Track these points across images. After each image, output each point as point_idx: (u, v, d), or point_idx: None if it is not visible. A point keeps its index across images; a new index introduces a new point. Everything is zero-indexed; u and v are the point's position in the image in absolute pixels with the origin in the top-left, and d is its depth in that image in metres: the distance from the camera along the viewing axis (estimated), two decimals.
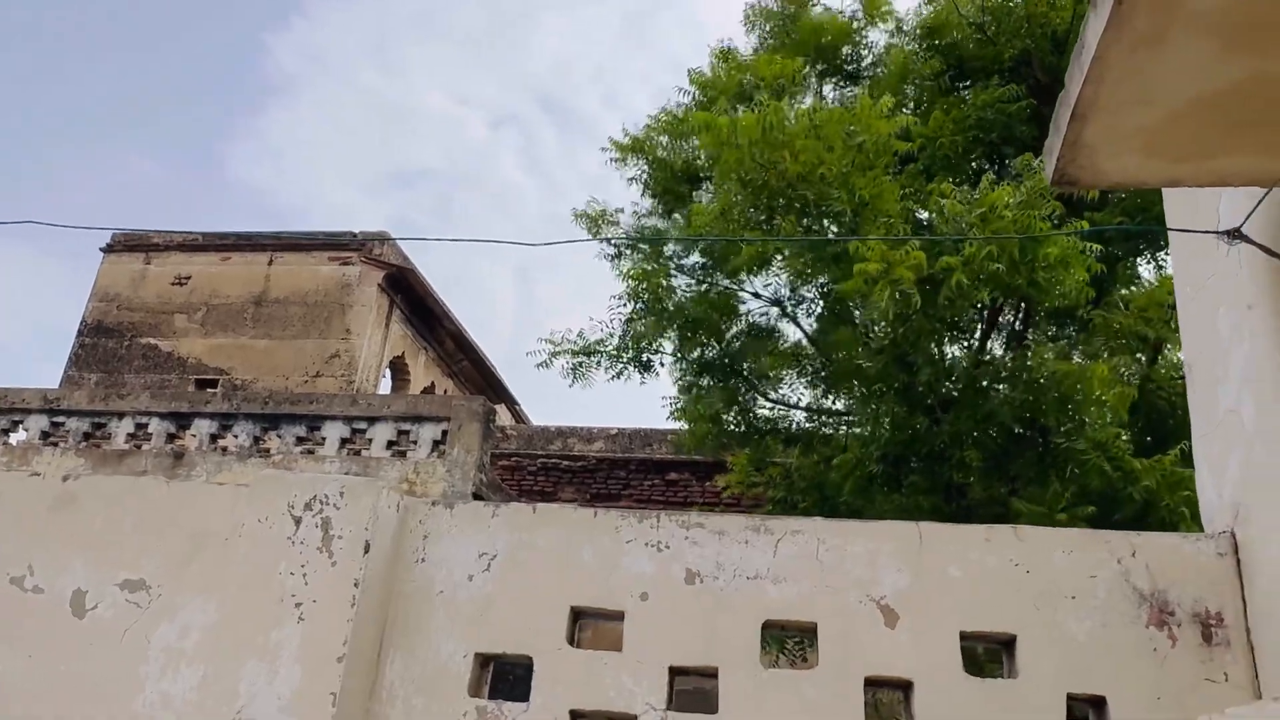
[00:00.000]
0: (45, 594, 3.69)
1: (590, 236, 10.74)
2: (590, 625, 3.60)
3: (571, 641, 3.46)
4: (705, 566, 3.48)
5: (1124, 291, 9.41)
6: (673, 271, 10.41)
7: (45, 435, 11.60)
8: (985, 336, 9.09)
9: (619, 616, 3.47)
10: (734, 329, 10.39)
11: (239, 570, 3.50)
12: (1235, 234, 2.76)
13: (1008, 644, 3.35)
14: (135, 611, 3.61)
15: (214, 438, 11.44)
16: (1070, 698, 3.21)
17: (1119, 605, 3.29)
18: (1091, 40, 2.39)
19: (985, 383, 7.85)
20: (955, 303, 7.20)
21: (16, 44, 50.34)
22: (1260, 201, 2.72)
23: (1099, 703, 3.22)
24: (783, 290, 10.41)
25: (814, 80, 10.55)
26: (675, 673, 3.39)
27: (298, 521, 3.48)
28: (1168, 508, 6.90)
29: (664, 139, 10.80)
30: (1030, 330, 9.21)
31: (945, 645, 3.30)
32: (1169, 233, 3.87)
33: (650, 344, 10.55)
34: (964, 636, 3.32)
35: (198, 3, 52.94)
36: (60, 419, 11.69)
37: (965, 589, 3.37)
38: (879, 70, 10.33)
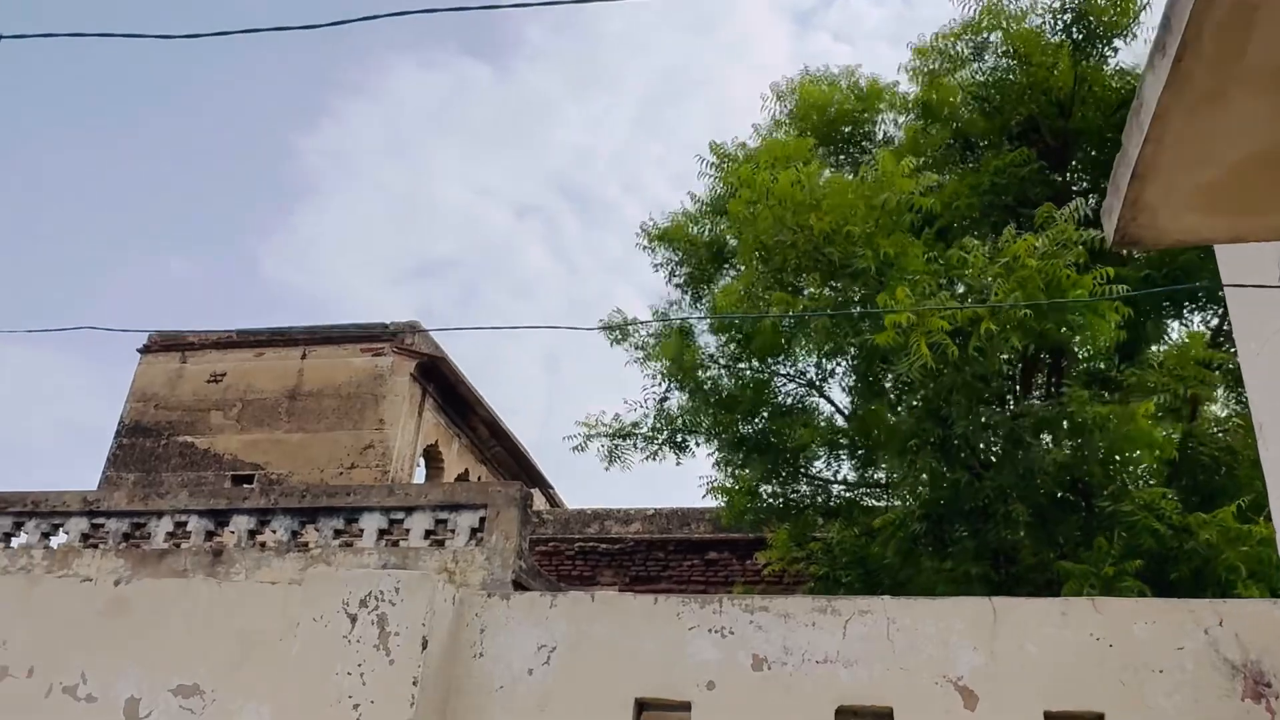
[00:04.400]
0: (99, 702, 3.62)
1: (619, 336, 10.80)
2: (656, 716, 3.48)
3: None
4: (772, 651, 3.37)
5: (1154, 349, 9.32)
6: (702, 354, 10.42)
7: (85, 537, 11.60)
8: (1019, 392, 8.99)
9: (685, 707, 3.35)
10: (767, 406, 10.33)
11: (293, 671, 3.42)
12: None
13: None
14: (189, 718, 3.54)
15: (252, 533, 11.39)
16: None
17: (1210, 678, 3.14)
18: (1150, 99, 2.36)
19: (1025, 436, 7.70)
20: (986, 352, 7.11)
21: (55, 150, 52.03)
22: None
23: None
24: (810, 369, 10.41)
25: (822, 158, 10.68)
26: None
27: (353, 619, 3.42)
28: (1225, 563, 6.68)
29: (694, 224, 10.94)
30: (1063, 385, 9.10)
31: None
32: (1227, 291, 3.80)
33: (685, 423, 10.52)
34: (1048, 716, 3.18)
35: (232, 111, 54.66)
36: (100, 520, 11.69)
37: (1045, 666, 3.24)
38: (886, 148, 10.45)
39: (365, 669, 3.33)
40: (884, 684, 3.28)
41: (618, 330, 10.87)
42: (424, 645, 3.34)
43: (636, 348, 10.70)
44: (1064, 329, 7.26)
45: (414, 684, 3.28)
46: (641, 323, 10.98)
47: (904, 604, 3.42)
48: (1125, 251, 7.28)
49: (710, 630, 3.43)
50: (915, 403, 8.36)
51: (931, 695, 3.24)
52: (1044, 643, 3.27)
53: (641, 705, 3.41)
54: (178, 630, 3.72)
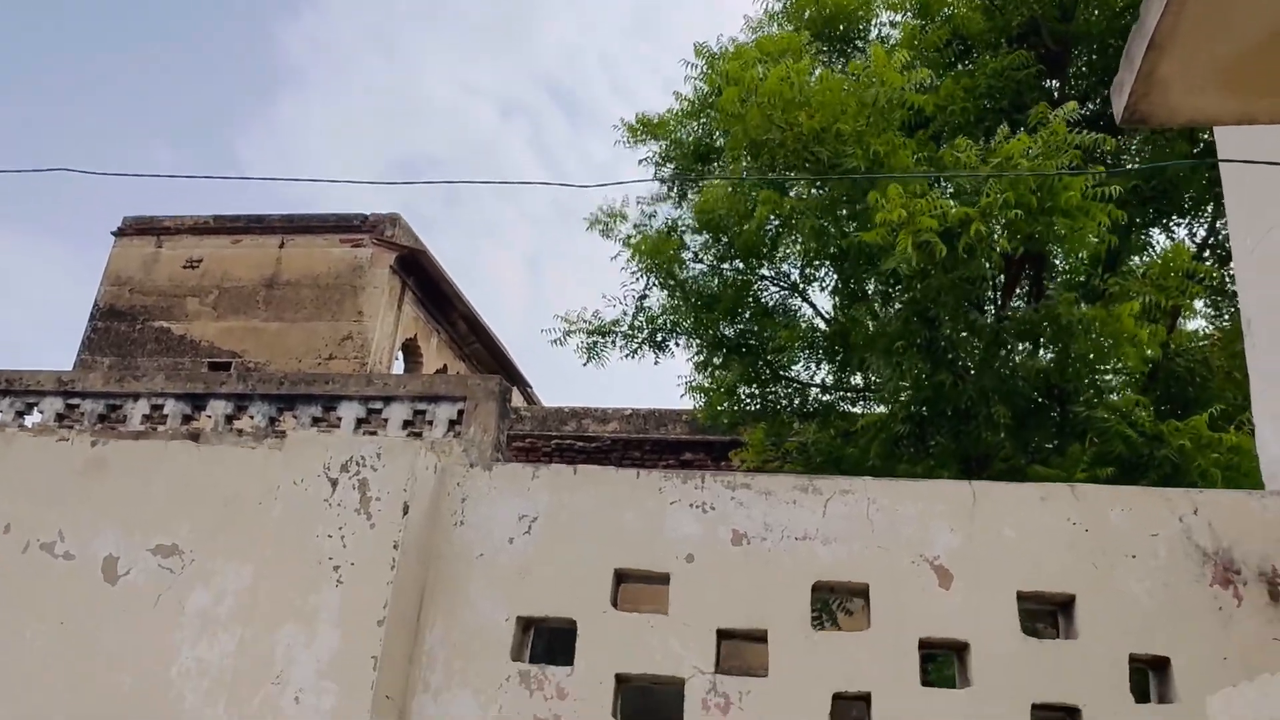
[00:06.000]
0: (76, 560, 3.62)
1: (606, 228, 10.59)
2: (634, 588, 3.52)
3: (615, 604, 3.38)
4: (752, 527, 3.39)
5: (1136, 260, 9.35)
6: (685, 254, 10.31)
7: (60, 418, 11.47)
8: (1002, 297, 9.01)
9: (664, 579, 3.39)
10: (748, 309, 10.30)
11: (274, 534, 3.42)
12: None
13: (1066, 605, 3.26)
14: (168, 577, 3.54)
15: (229, 419, 11.32)
16: (1132, 658, 3.13)
17: (1181, 564, 3.20)
18: None
19: (1008, 340, 7.74)
20: (975, 254, 7.09)
21: (36, 34, 50.24)
22: None
23: (1162, 664, 3.13)
24: (794, 272, 10.36)
25: (816, 56, 10.43)
26: (723, 635, 3.31)
27: (334, 483, 3.40)
28: (1199, 470, 6.81)
29: (677, 122, 10.68)
30: (1047, 290, 9.13)
31: (1002, 606, 3.22)
32: (1226, 186, 3.76)
33: (665, 323, 10.50)
34: (1021, 597, 3.24)
35: None
36: (75, 401, 11.57)
37: (1021, 549, 3.29)
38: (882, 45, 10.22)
39: (346, 532, 3.33)
40: (861, 562, 3.32)
41: (606, 221, 10.68)
42: (405, 511, 3.34)
43: (625, 244, 10.55)
44: (1053, 230, 7.22)
45: (394, 548, 3.29)
46: (641, 180, 10.84)
47: (885, 485, 3.45)
48: (1127, 131, 7.23)
49: (692, 505, 3.44)
50: (901, 304, 8.37)
51: (908, 573, 3.28)
52: (1021, 526, 3.31)
53: (620, 576, 3.44)
54: (157, 492, 3.70)
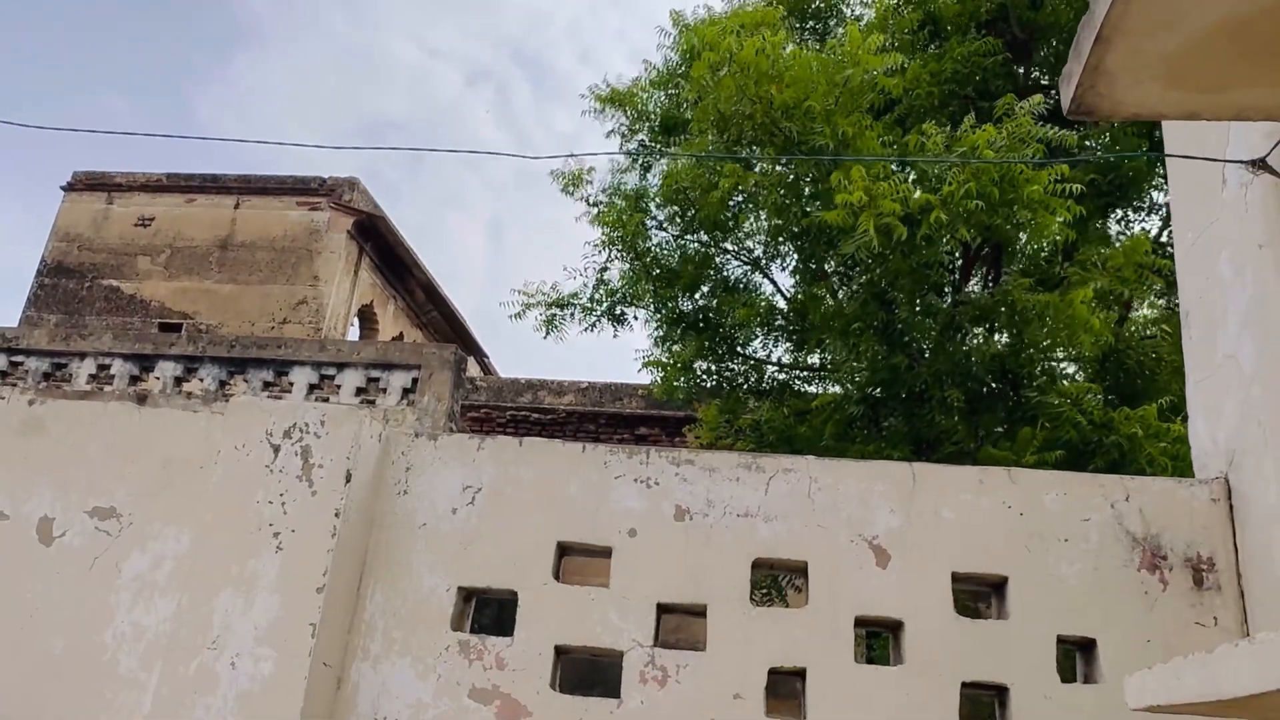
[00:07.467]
0: (10, 520, 3.56)
1: (572, 182, 10.48)
2: (576, 561, 3.53)
3: (557, 577, 3.40)
4: (695, 503, 3.42)
5: (1098, 252, 9.48)
6: (649, 224, 10.28)
7: (3, 375, 11.27)
8: (959, 283, 9.11)
9: (606, 553, 3.41)
10: (709, 284, 10.32)
11: (214, 498, 3.38)
12: (1260, 164, 2.70)
13: (999, 586, 3.33)
14: (105, 540, 3.50)
15: (179, 381, 11.16)
16: (1060, 639, 3.21)
17: (1111, 548, 3.28)
18: None
19: (964, 324, 7.83)
20: (933, 241, 7.16)
21: None
22: None
23: (1088, 645, 3.22)
24: (758, 248, 10.39)
25: (790, 31, 10.42)
26: (663, 610, 3.34)
27: (276, 449, 3.37)
28: (1148, 458, 6.96)
29: (645, 93, 10.60)
30: (1003, 276, 9.26)
31: (936, 586, 3.28)
32: (1171, 180, 3.82)
33: (625, 296, 10.48)
34: (955, 578, 3.30)
35: None
36: (19, 358, 11.34)
37: (958, 530, 3.34)
38: (855, 24, 10.23)
39: (287, 499, 3.31)
40: (801, 539, 3.36)
41: (574, 178, 10.57)
42: (348, 478, 3.32)
43: (588, 203, 10.46)
44: (1012, 224, 7.31)
45: (336, 515, 3.27)
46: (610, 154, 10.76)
47: (827, 464, 3.49)
48: (1069, 141, 7.34)
49: (636, 480, 3.46)
50: (858, 287, 8.45)
51: (846, 552, 3.33)
52: (959, 508, 3.37)
53: (563, 549, 3.45)
54: (95, 453, 3.65)
